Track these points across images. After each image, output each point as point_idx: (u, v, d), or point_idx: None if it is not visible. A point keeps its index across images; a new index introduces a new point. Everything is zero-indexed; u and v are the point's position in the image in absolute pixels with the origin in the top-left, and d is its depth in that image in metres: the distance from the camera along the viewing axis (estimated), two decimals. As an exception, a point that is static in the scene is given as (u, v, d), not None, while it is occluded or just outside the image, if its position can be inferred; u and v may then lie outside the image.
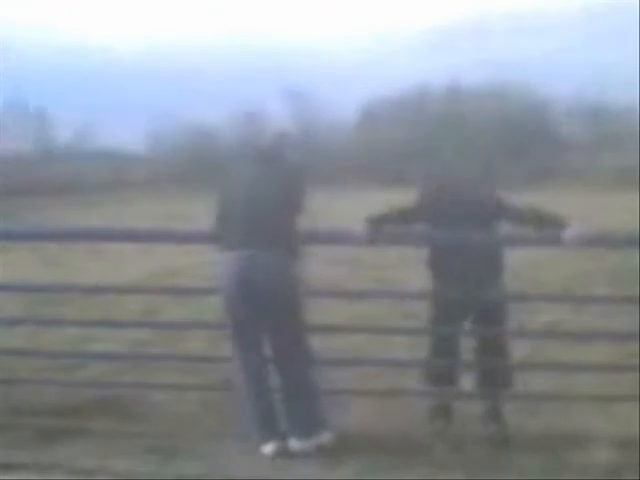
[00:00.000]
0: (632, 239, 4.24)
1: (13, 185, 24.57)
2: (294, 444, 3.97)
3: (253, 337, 3.99)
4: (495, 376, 4.20)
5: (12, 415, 4.42)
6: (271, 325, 3.97)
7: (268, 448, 3.97)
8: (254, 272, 3.85)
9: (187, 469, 3.82)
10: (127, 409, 4.48)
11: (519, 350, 5.40)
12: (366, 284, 8.34)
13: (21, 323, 5.79)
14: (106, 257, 10.38)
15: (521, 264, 8.70)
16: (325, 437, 4.00)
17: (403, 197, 4.33)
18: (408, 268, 8.53)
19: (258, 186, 3.99)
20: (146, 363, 5.16)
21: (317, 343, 4.17)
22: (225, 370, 4.35)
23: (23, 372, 4.99)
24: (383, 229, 4.08)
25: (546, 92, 32.24)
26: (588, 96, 31.42)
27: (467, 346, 4.25)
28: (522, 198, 4.26)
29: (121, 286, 6.96)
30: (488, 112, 31.38)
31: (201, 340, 5.60)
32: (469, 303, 4.13)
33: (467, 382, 4.31)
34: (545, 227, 4.04)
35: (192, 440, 4.09)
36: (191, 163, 29.67)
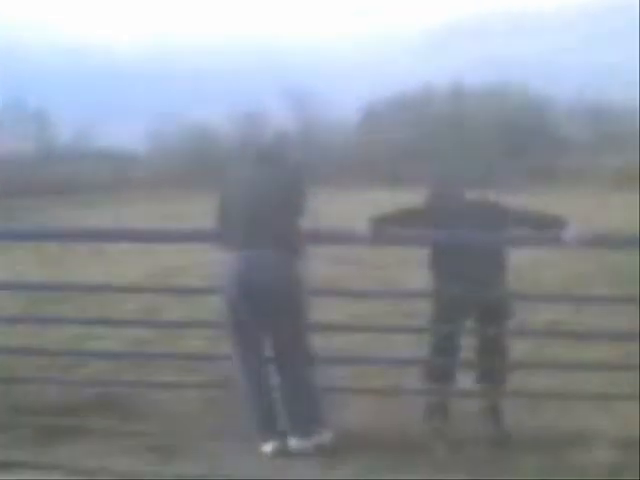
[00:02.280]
0: (632, 240, 4.27)
1: (13, 185, 24.56)
2: (293, 443, 3.97)
3: (253, 337, 3.98)
4: (492, 374, 4.21)
5: (12, 414, 4.41)
6: (272, 325, 3.96)
7: (268, 447, 3.96)
8: (256, 272, 3.84)
9: (187, 469, 3.81)
10: (127, 408, 4.47)
11: (519, 349, 5.43)
12: (368, 283, 8.33)
13: (22, 322, 5.79)
14: (106, 257, 10.38)
15: (522, 264, 8.73)
16: (325, 437, 3.99)
17: (403, 198, 4.34)
18: (410, 268, 8.56)
19: (259, 186, 3.99)
20: (146, 362, 5.16)
21: (319, 342, 4.17)
22: (225, 368, 4.35)
23: (23, 370, 4.99)
24: (386, 229, 4.09)
25: (546, 92, 32.31)
26: (588, 96, 31.48)
27: (468, 344, 4.25)
28: (522, 198, 4.28)
29: (121, 285, 6.96)
30: (489, 112, 31.41)
31: (200, 339, 5.60)
32: (470, 302, 4.14)
33: (466, 380, 4.30)
34: (546, 229, 4.07)
35: (192, 439, 4.08)
36: (191, 163, 29.67)
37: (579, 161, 27.75)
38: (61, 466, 3.83)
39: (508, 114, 31.36)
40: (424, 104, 33.24)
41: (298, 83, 36.84)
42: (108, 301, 6.49)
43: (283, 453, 3.94)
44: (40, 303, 6.55)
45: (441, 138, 29.78)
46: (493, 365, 4.23)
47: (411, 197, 4.34)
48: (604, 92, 30.71)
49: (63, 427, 4.24)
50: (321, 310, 4.21)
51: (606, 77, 35.31)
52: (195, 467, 3.83)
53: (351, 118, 34.40)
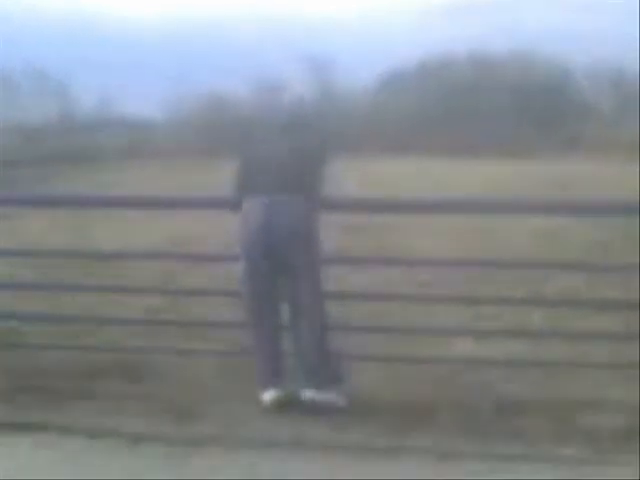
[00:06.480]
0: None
1: (34, 154, 24.68)
2: (307, 393, 4.01)
3: (270, 286, 4.02)
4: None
5: (30, 378, 4.48)
6: (290, 270, 3.99)
7: (267, 396, 4.01)
8: (275, 216, 3.90)
9: (202, 430, 3.88)
10: (143, 372, 4.54)
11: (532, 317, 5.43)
12: (379, 251, 8.31)
13: (37, 288, 5.84)
14: (121, 224, 10.39)
15: (537, 231, 8.68)
16: (338, 397, 4.03)
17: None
18: (422, 236, 8.56)
19: (281, 150, 4.06)
20: (161, 329, 5.20)
21: (330, 310, 4.18)
22: (239, 336, 4.38)
23: (39, 336, 5.06)
24: None
25: (568, 60, 31.83)
26: (610, 63, 30.97)
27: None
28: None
29: (136, 252, 6.98)
30: (510, 81, 31.03)
31: (215, 306, 5.62)
32: None
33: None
34: None
35: (207, 402, 4.14)
36: (209, 130, 29.57)
37: (602, 129, 27.41)
38: (78, 427, 3.91)
39: (530, 82, 30.95)
40: (445, 72, 32.84)
41: (315, 50, 36.43)
42: (123, 268, 6.51)
43: (283, 405, 3.99)
44: (55, 270, 6.58)
45: (462, 105, 29.50)
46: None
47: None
48: (627, 60, 30.19)
49: (79, 390, 4.33)
50: (332, 278, 4.21)
51: (629, 45, 34.67)
52: (210, 429, 3.89)
53: (369, 86, 34.08)
